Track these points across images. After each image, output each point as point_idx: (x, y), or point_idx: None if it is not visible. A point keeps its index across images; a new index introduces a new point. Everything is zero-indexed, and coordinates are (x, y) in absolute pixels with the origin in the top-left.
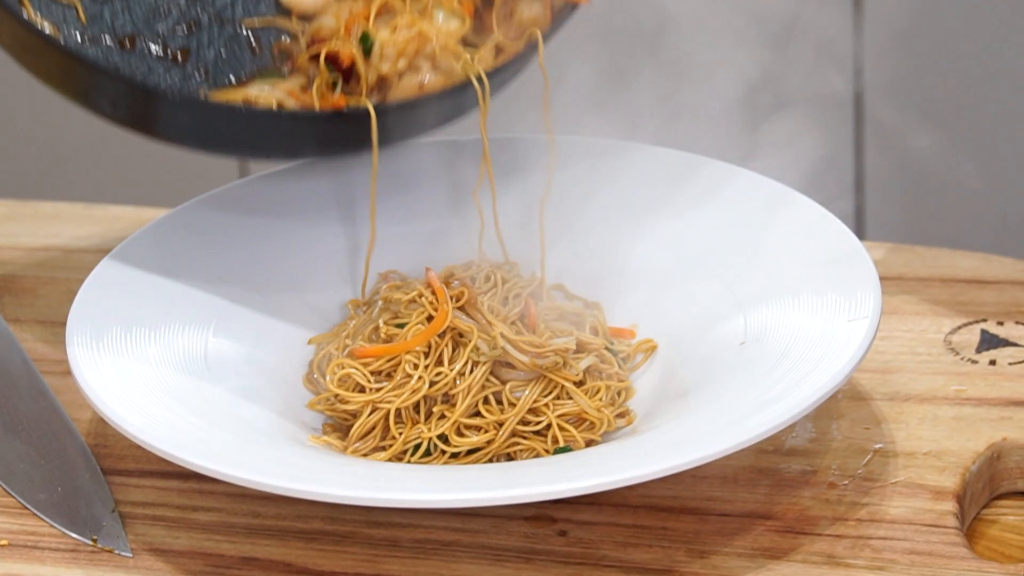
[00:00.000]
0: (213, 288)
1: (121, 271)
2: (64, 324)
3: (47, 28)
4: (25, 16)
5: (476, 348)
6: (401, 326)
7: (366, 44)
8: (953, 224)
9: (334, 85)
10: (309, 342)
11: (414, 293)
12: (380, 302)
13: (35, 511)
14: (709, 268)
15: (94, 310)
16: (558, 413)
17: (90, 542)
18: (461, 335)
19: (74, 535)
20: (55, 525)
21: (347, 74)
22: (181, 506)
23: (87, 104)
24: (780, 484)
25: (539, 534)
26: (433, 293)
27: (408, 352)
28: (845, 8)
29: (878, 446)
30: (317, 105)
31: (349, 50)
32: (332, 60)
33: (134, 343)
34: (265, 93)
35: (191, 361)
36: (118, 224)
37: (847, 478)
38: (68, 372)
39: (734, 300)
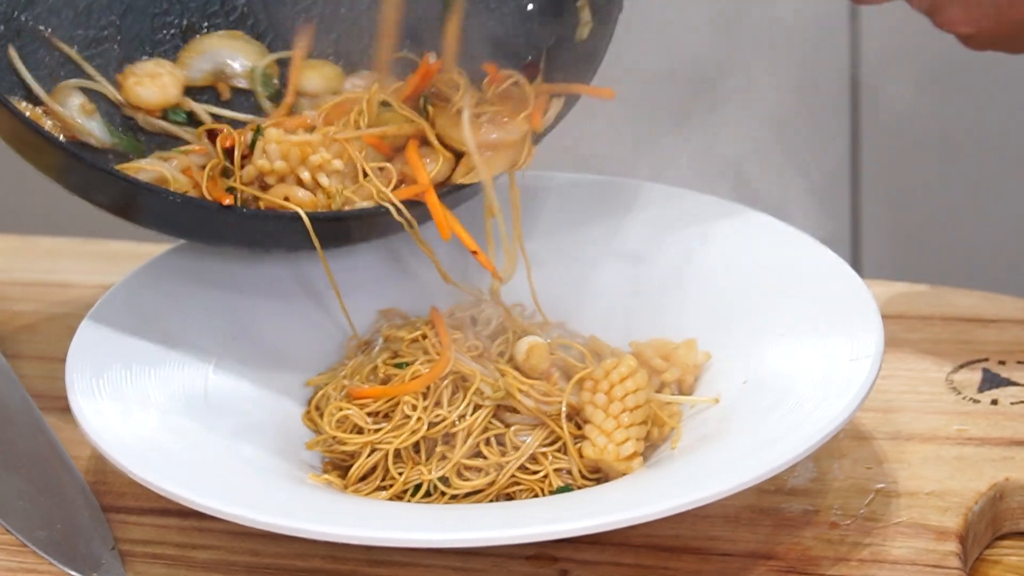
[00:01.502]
0: (213, 325)
1: (120, 307)
2: (63, 360)
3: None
4: (26, 115)
5: (479, 391)
6: (400, 366)
7: (255, 136)
8: (951, 260)
9: (225, 172)
10: (307, 384)
11: (417, 333)
12: (380, 341)
13: (34, 548)
14: (710, 307)
15: (94, 347)
16: (556, 467)
17: None
18: (464, 379)
19: (73, 573)
20: (54, 563)
21: (230, 157)
22: (180, 544)
23: (86, 198)
24: (782, 524)
25: (540, 573)
26: (437, 334)
27: (406, 393)
28: (841, 39)
29: (880, 486)
30: (204, 184)
31: (232, 135)
32: (211, 137)
33: (134, 380)
34: (156, 166)
35: (191, 399)
36: (117, 259)
37: (849, 518)
38: (67, 409)
39: (737, 340)
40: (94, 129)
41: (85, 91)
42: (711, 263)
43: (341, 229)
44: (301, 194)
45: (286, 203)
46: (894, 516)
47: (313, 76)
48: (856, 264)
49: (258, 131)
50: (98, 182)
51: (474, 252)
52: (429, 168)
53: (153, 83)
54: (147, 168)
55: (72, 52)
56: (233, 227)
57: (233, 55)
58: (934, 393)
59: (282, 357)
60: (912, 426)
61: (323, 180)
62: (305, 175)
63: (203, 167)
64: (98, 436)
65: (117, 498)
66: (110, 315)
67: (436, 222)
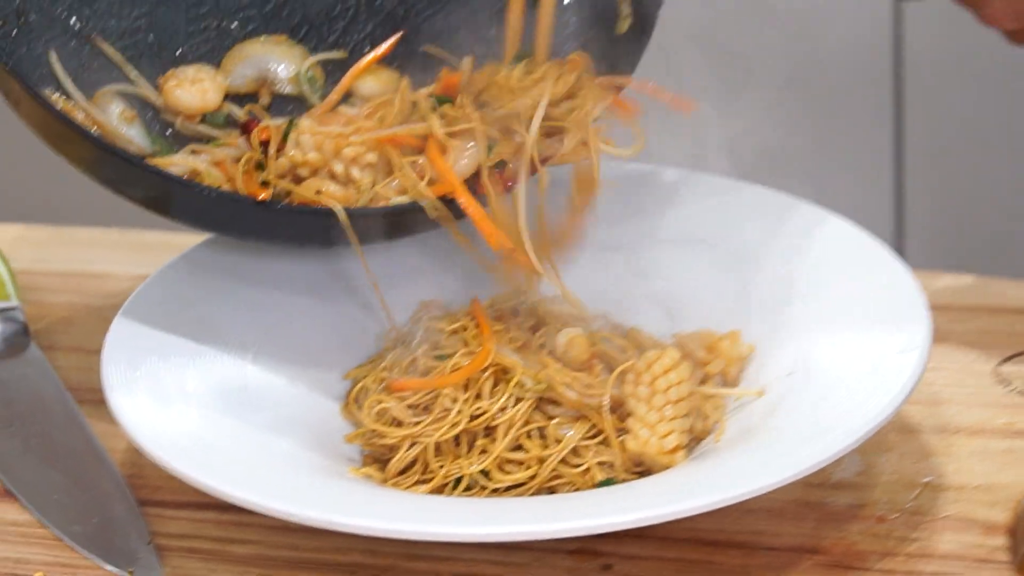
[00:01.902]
0: (250, 317)
1: (157, 298)
2: (99, 352)
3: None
4: (58, 107)
5: (520, 383)
6: (440, 358)
7: (289, 127)
8: (998, 250)
9: (259, 166)
10: (345, 376)
11: (457, 324)
12: (420, 332)
13: (70, 543)
14: (755, 298)
15: (130, 338)
16: (598, 461)
17: (126, 574)
18: (505, 371)
19: (109, 567)
20: (90, 557)
21: (265, 151)
22: (218, 538)
23: (118, 192)
24: (828, 518)
25: (583, 568)
26: (477, 326)
27: (447, 386)
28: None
29: (927, 479)
30: (240, 177)
31: (268, 127)
32: (246, 131)
33: (170, 373)
34: (188, 160)
35: (228, 392)
36: (153, 250)
37: (896, 512)
38: (103, 401)
39: (781, 331)
40: (134, 136)
41: (124, 97)
42: (756, 253)
43: (376, 225)
44: (332, 188)
45: (318, 197)
46: (941, 510)
47: (369, 80)
48: (900, 254)
49: (291, 122)
50: (130, 176)
51: (510, 251)
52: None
53: (194, 87)
54: (179, 163)
55: (112, 51)
56: (267, 223)
57: (277, 60)
58: (981, 386)
59: (320, 350)
60: (959, 419)
61: (355, 173)
62: (338, 168)
63: (237, 160)
64: (134, 429)
65: (153, 492)
66: (146, 307)
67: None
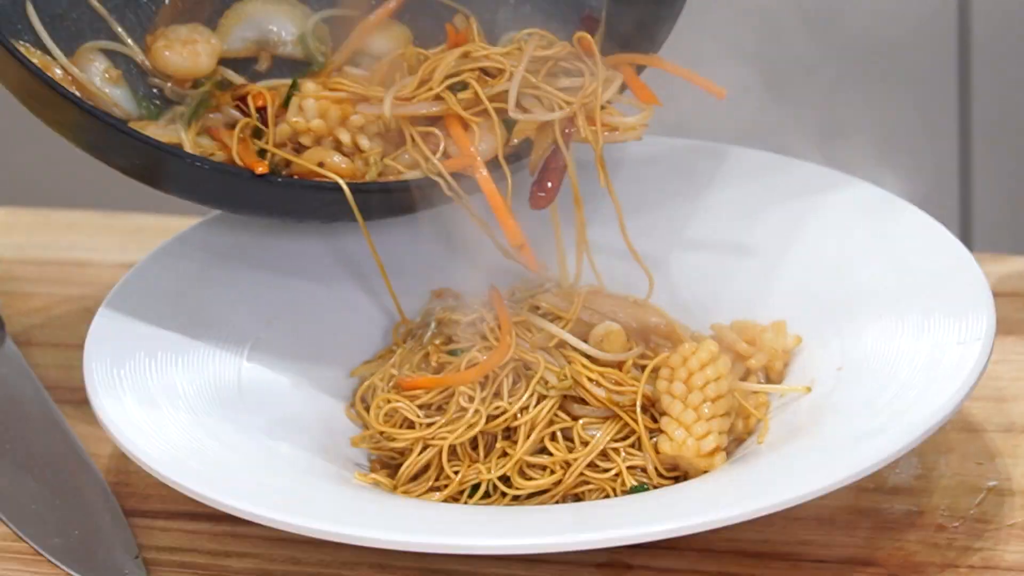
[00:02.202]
0: (247, 308)
1: (144, 288)
2: (81, 347)
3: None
4: (34, 63)
5: (543, 380)
6: (455, 352)
7: (291, 90)
8: None
9: (256, 133)
10: (352, 374)
11: (474, 316)
12: (433, 325)
13: (49, 557)
14: (802, 285)
15: (114, 332)
16: (629, 464)
17: None
18: (527, 367)
19: None
20: (72, 573)
21: (263, 119)
22: (212, 552)
23: (102, 159)
24: (882, 526)
25: None
26: (496, 317)
27: (462, 384)
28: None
29: (992, 483)
30: (235, 147)
31: (264, 93)
32: (240, 101)
33: (159, 369)
34: (170, 132)
35: (223, 391)
36: (141, 235)
37: (957, 519)
38: (86, 401)
39: (830, 321)
40: (119, 98)
41: (108, 54)
42: (802, 236)
43: (382, 201)
44: (337, 159)
45: (320, 170)
46: (1008, 517)
47: (379, 37)
48: (966, 236)
49: (294, 84)
50: (114, 142)
51: (520, 247)
52: (481, 144)
53: (185, 50)
54: (160, 131)
55: (97, 3)
56: (263, 196)
57: (279, 20)
58: None
59: (323, 344)
60: None
61: (363, 143)
62: (345, 137)
63: (230, 127)
64: (120, 432)
65: (141, 501)
66: (133, 297)
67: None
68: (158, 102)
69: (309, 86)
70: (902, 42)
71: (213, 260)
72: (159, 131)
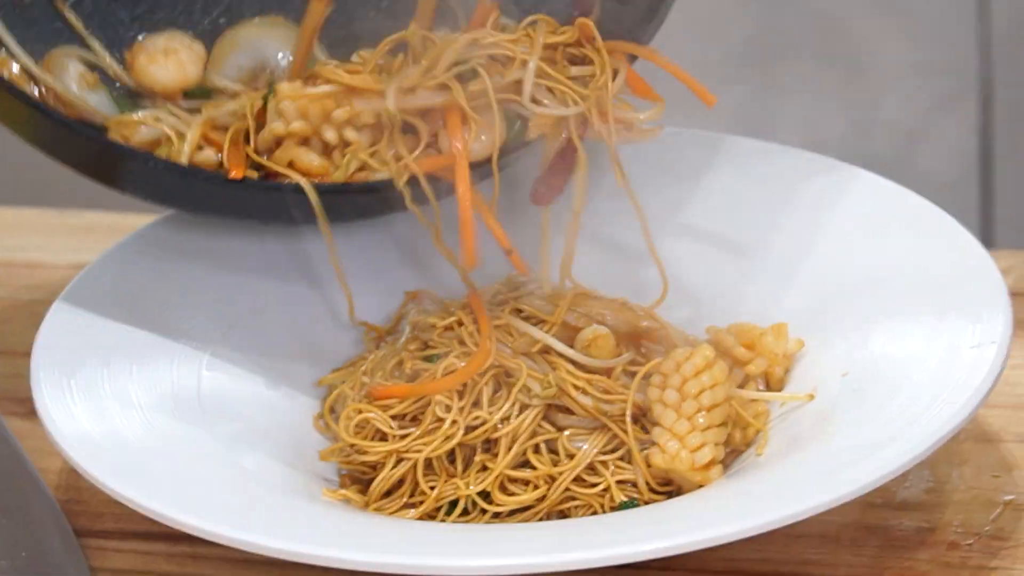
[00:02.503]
0: (208, 311)
1: (97, 291)
2: (28, 355)
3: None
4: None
5: (526, 388)
6: (431, 359)
7: (267, 96)
8: None
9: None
10: (319, 383)
11: (451, 319)
12: (407, 329)
13: None
14: (807, 284)
15: (65, 338)
16: (618, 479)
17: None
18: (508, 374)
19: None
20: None
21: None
22: (169, 574)
23: (53, 157)
24: (891, 544)
25: None
26: (475, 321)
27: (439, 392)
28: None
29: (1010, 497)
30: (227, 149)
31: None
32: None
33: (112, 378)
34: (157, 122)
35: (182, 400)
36: (94, 234)
37: (972, 536)
38: (34, 413)
39: (835, 323)
40: (99, 104)
41: (82, 58)
42: (805, 232)
43: (350, 203)
44: (310, 158)
45: (287, 170)
46: None
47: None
48: (987, 233)
49: (270, 90)
50: (65, 139)
51: (508, 252)
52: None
53: (169, 61)
54: (147, 122)
55: (74, 18)
56: (221, 197)
57: (275, 45)
58: None
59: (290, 349)
60: None
61: (351, 135)
62: (330, 135)
63: (219, 127)
64: (70, 446)
65: (93, 520)
66: (85, 300)
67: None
68: (135, 99)
69: (284, 88)
70: (922, 34)
71: (170, 260)
72: (146, 130)
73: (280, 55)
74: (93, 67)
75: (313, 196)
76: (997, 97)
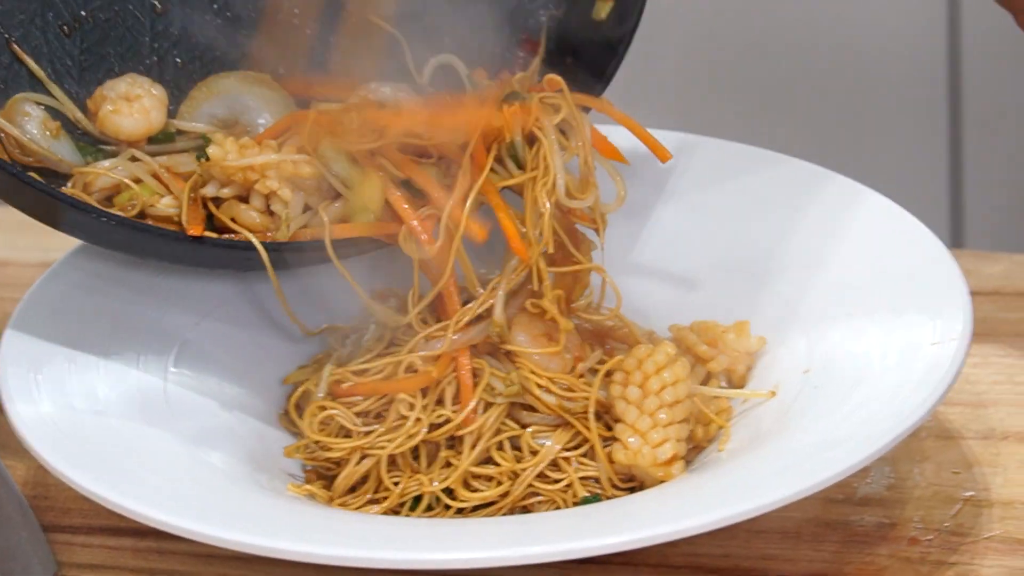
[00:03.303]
0: (172, 309)
1: (63, 289)
2: None
3: None
4: None
5: (490, 387)
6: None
7: (199, 157)
8: None
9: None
10: (285, 381)
11: (416, 317)
12: (373, 327)
13: None
14: (766, 282)
15: (32, 335)
16: (581, 475)
17: None
18: (473, 373)
19: None
20: None
21: None
22: (136, 569)
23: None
24: (852, 540)
25: None
26: (439, 319)
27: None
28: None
29: (969, 494)
30: (185, 207)
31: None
32: None
33: (79, 376)
34: (119, 171)
35: (148, 396)
36: (60, 234)
37: (932, 532)
38: (0, 410)
39: (796, 321)
40: (63, 152)
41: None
42: (765, 229)
43: (297, 256)
44: (250, 216)
45: (237, 227)
46: (985, 530)
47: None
48: (956, 235)
49: (202, 153)
50: (19, 190)
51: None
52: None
53: (132, 109)
54: (105, 173)
55: (35, 66)
56: (180, 250)
57: (254, 104)
58: None
59: (256, 346)
60: (1008, 423)
61: (276, 207)
62: (257, 202)
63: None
64: (37, 441)
65: (61, 515)
66: (51, 298)
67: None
68: (99, 144)
69: (213, 153)
70: (892, 42)
71: (137, 260)
72: (103, 175)
73: (258, 115)
74: (56, 114)
75: (263, 254)
76: (965, 99)
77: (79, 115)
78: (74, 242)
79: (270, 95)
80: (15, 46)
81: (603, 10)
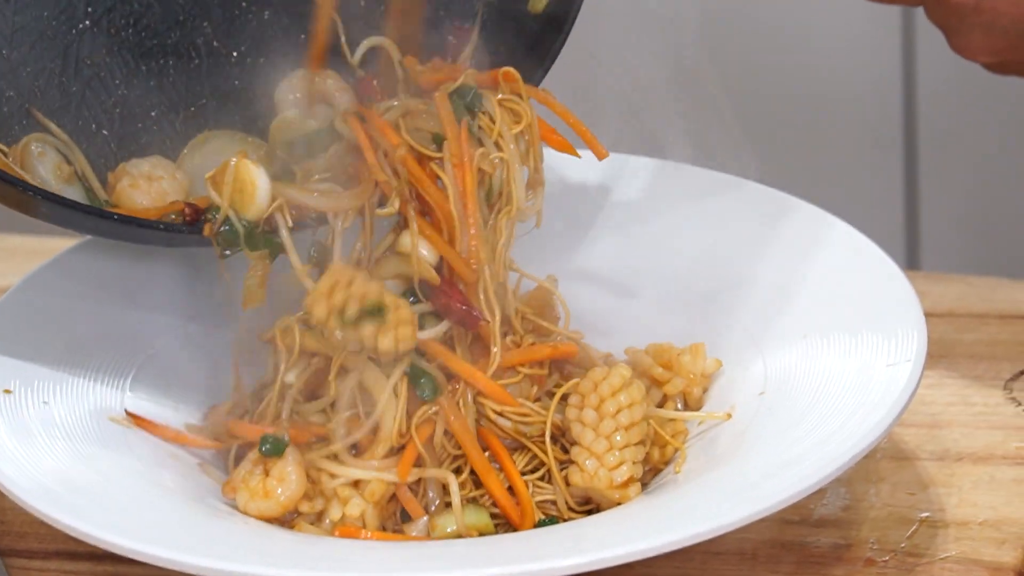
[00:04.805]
0: (128, 334)
1: (20, 313)
2: None
3: None
4: None
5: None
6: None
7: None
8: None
9: None
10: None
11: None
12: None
13: None
14: (722, 304)
15: None
16: (539, 499)
17: None
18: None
19: None
20: None
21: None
22: None
23: None
24: (808, 561)
25: None
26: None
27: None
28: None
29: (925, 515)
30: None
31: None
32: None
33: (36, 399)
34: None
35: (105, 421)
36: (15, 257)
37: (888, 553)
38: None
39: (752, 343)
40: (73, 196)
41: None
42: (721, 253)
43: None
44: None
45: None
46: (941, 550)
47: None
48: (911, 257)
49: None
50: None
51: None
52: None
53: (151, 188)
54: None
55: (58, 129)
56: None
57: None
58: (989, 405)
59: (211, 367)
60: (963, 444)
61: None
62: None
63: None
64: None
65: (17, 539)
66: (6, 322)
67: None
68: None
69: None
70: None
71: (93, 284)
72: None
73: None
74: (69, 160)
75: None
76: (921, 121)
77: (96, 183)
78: (27, 267)
79: (256, 150)
80: (36, 112)
81: (540, 3)
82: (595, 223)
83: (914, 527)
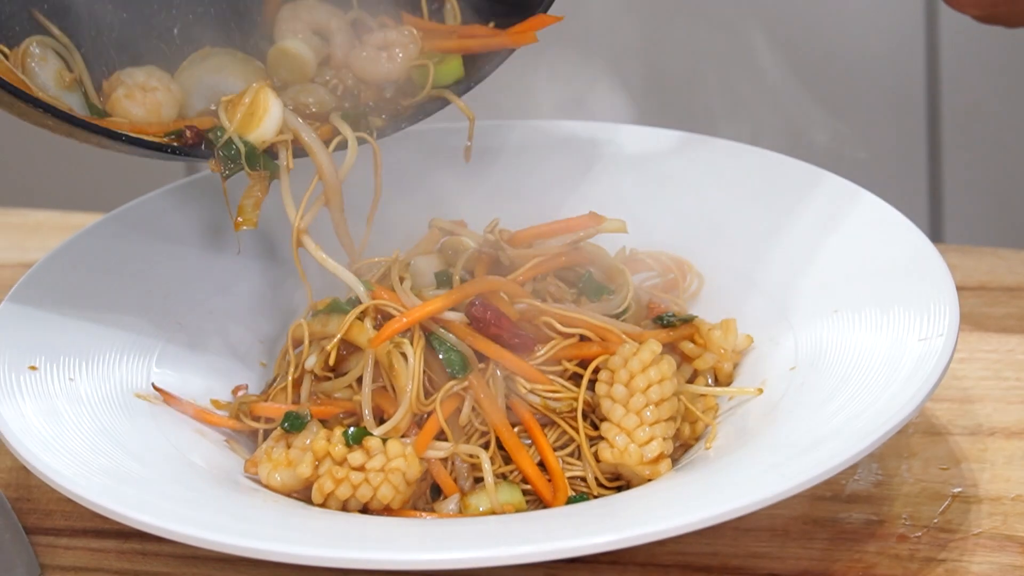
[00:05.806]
0: (155, 309)
1: (45, 289)
2: None
3: None
4: None
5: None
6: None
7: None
8: None
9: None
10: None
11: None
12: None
13: None
14: (753, 279)
15: (14, 336)
16: (569, 475)
17: None
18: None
19: None
20: None
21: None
22: (120, 571)
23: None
24: (840, 537)
25: None
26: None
27: None
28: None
29: (957, 490)
30: None
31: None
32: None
33: (62, 376)
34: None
35: (131, 397)
36: (40, 233)
37: (920, 529)
38: None
39: (783, 318)
40: (72, 103)
41: (58, 52)
42: (752, 227)
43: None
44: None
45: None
46: (974, 526)
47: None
48: (935, 229)
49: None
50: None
51: None
52: None
53: (146, 99)
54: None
55: (59, 31)
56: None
57: (232, 81)
58: (1022, 379)
59: (238, 345)
60: (995, 419)
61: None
62: None
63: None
64: (20, 443)
65: (44, 517)
66: (33, 298)
67: None
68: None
69: None
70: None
71: (117, 260)
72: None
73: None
74: (69, 66)
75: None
76: (944, 95)
77: (92, 91)
78: (52, 242)
79: (243, 68)
80: (37, 13)
81: None
82: (627, 198)
83: (947, 502)
